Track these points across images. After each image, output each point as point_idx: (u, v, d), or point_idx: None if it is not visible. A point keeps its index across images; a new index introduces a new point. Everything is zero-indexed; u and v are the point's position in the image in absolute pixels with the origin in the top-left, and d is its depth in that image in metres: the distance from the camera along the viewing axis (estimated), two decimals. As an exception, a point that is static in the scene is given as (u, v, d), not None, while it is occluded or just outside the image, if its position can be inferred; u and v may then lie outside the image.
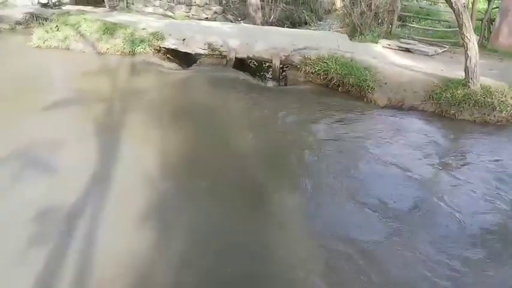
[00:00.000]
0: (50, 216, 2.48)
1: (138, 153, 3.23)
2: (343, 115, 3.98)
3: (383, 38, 5.87)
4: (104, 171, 2.95)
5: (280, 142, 3.51)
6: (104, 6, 8.48)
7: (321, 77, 4.66)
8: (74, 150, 3.22)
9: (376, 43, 5.58)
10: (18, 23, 6.56)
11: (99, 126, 3.63)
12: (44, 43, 5.64)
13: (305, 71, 4.76)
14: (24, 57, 5.46)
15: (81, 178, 2.82)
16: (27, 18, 6.61)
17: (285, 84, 4.93)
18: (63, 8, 7.75)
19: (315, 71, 4.66)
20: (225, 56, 5.19)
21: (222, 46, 5.17)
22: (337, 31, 7.29)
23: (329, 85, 4.63)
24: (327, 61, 4.64)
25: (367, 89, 4.37)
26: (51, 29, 5.76)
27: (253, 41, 5.24)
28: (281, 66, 5.07)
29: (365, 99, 4.40)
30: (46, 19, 6.36)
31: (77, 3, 8.53)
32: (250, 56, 5.14)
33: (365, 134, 3.64)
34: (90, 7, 8.22)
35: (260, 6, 8.39)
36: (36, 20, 6.45)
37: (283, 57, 4.93)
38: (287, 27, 6.89)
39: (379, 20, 6.96)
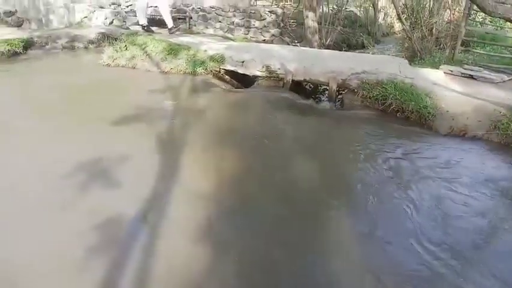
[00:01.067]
0: (112, 227, 2.63)
1: (198, 171, 3.35)
2: (402, 143, 3.90)
3: (445, 63, 5.71)
4: (165, 186, 3.09)
5: (337, 169, 3.50)
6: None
7: (379, 102, 4.61)
8: (137, 165, 3.40)
9: (438, 69, 5.43)
10: (91, 42, 7.08)
11: (161, 142, 3.82)
12: (113, 61, 6.05)
13: (362, 95, 4.74)
14: (94, 74, 5.86)
15: (142, 192, 2.97)
16: (99, 37, 7.12)
17: (342, 108, 4.92)
18: (132, 28, 8.28)
19: (373, 96, 4.62)
20: (282, 79, 5.29)
21: (279, 69, 5.27)
22: (396, 55, 7.19)
23: (387, 110, 4.56)
24: (385, 86, 4.59)
25: (428, 116, 4.26)
26: (120, 48, 6.18)
27: (310, 64, 5.30)
28: (338, 89, 5.07)
29: (425, 127, 4.29)
30: (116, 39, 6.83)
31: (143, 24, 9.07)
32: (307, 78, 5.19)
33: (427, 165, 3.53)
34: (155, 27, 8.72)
35: (317, 29, 8.47)
36: (107, 40, 6.94)
37: (341, 81, 4.93)
38: (344, 50, 6.89)
39: (441, 45, 6.78)
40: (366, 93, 4.68)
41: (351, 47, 9.38)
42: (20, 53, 6.60)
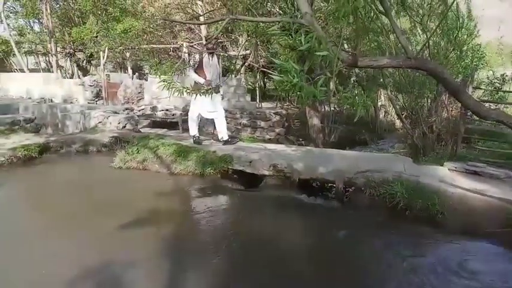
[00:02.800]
0: None
1: (207, 278, 3.27)
2: (413, 242, 3.84)
3: (448, 160, 5.82)
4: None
5: (350, 272, 3.40)
6: (178, 129, 9.35)
7: (387, 200, 4.62)
8: (144, 271, 3.34)
9: (442, 165, 5.53)
10: (104, 145, 7.38)
11: (168, 247, 3.78)
12: (124, 164, 6.25)
13: (370, 193, 4.77)
14: (105, 176, 6.02)
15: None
16: (112, 141, 7.44)
17: (350, 207, 4.92)
18: (142, 130, 8.69)
19: (380, 194, 4.64)
20: (289, 177, 5.38)
21: (286, 168, 5.40)
22: (398, 152, 7.38)
23: (395, 208, 4.55)
24: (392, 184, 4.64)
25: (437, 214, 4.23)
26: (132, 151, 6.42)
27: (316, 163, 5.43)
28: (344, 187, 5.12)
29: (435, 225, 4.24)
30: (128, 142, 7.14)
31: (153, 127, 9.55)
32: (314, 177, 5.28)
33: (442, 266, 3.42)
34: (165, 130, 9.14)
35: (321, 128, 8.84)
36: (120, 143, 7.24)
37: (347, 179, 5.01)
38: (348, 148, 7.11)
39: (442, 142, 6.99)
40: (372, 192, 4.72)
41: (354, 144, 9.67)
42: (36, 157, 6.87)
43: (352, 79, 10.77)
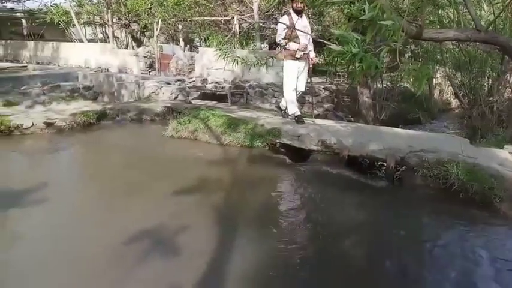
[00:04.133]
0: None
1: (256, 244, 3.36)
2: (467, 227, 3.72)
3: (508, 143, 5.50)
4: (222, 258, 3.11)
5: (401, 257, 3.36)
6: (226, 102, 9.44)
7: (440, 181, 4.47)
8: (195, 235, 3.48)
9: (501, 148, 5.23)
10: (157, 115, 7.63)
11: (219, 213, 3.91)
12: (176, 133, 6.44)
13: (422, 173, 4.63)
14: (159, 144, 6.25)
15: (202, 263, 3.00)
16: (164, 111, 7.66)
17: (400, 186, 4.81)
18: (192, 102, 8.87)
19: (434, 175, 4.50)
20: (337, 154, 5.32)
21: (335, 144, 5.34)
22: (454, 133, 7.05)
23: (449, 190, 4.39)
24: (446, 165, 4.47)
25: (494, 199, 4.04)
26: (183, 121, 6.59)
27: (367, 140, 5.32)
28: (396, 167, 5.00)
29: (491, 209, 4.06)
30: (180, 112, 7.33)
31: (203, 99, 9.71)
32: (364, 154, 5.19)
33: (497, 253, 3.30)
34: (214, 102, 9.27)
35: (371, 105, 8.59)
36: (172, 113, 7.46)
37: (399, 158, 4.88)
38: (401, 127, 6.88)
39: (503, 124, 6.59)
40: (425, 172, 4.57)
41: (406, 122, 9.32)
42: (94, 123, 7.24)
43: (406, 55, 10.31)
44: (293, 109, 6.23)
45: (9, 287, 2.78)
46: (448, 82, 11.10)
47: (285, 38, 5.82)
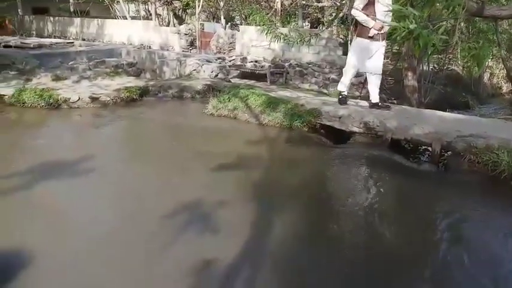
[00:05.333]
0: (206, 272, 2.70)
1: (293, 224, 3.36)
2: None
3: None
4: (259, 236, 3.13)
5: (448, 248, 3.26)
6: (265, 81, 9.39)
7: (489, 168, 4.26)
8: (233, 212, 3.52)
9: (559, 136, 4.90)
10: (198, 92, 7.70)
11: (257, 191, 3.93)
12: (216, 111, 6.49)
13: (469, 159, 4.43)
14: (199, 122, 6.32)
15: (238, 239, 3.04)
16: (205, 89, 7.72)
17: (445, 172, 4.64)
18: (232, 80, 8.88)
19: (482, 161, 4.29)
20: (380, 136, 5.19)
21: (378, 126, 5.20)
22: (506, 118, 6.67)
23: (498, 178, 4.18)
24: (496, 152, 4.25)
25: (548, 189, 3.83)
26: (223, 99, 6.62)
27: (411, 123, 5.14)
28: (441, 151, 4.81)
29: (545, 200, 3.85)
30: (219, 90, 7.36)
31: (242, 78, 9.69)
32: (408, 138, 5.02)
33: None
34: (253, 81, 9.25)
35: (417, 88, 8.26)
36: (212, 91, 7.50)
37: (445, 143, 4.69)
38: (448, 111, 6.58)
39: (562, 110, 6.16)
40: (473, 158, 4.37)
41: (452, 107, 8.92)
42: (136, 99, 7.41)
43: (456, 36, 9.80)
44: (342, 87, 5.96)
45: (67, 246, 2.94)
46: (500, 65, 10.49)
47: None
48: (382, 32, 5.24)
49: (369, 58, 5.46)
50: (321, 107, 5.95)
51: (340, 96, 5.95)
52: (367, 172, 4.55)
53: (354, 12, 5.35)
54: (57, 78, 7.88)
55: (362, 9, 5.16)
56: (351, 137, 5.54)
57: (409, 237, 3.29)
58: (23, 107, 6.72)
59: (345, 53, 11.60)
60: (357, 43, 5.54)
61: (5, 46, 10.31)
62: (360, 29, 5.33)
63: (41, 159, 4.51)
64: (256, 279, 2.65)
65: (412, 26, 1.78)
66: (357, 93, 9.09)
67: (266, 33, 4.59)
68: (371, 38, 5.31)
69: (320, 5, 13.22)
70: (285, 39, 5.12)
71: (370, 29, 5.22)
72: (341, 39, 11.80)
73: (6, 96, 6.94)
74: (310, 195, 3.93)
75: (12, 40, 11.62)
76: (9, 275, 2.52)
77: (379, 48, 5.42)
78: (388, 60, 11.00)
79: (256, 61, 10.54)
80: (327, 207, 3.72)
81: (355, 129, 5.39)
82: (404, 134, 5.05)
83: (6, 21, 17.41)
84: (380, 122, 5.24)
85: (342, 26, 14.84)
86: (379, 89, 5.84)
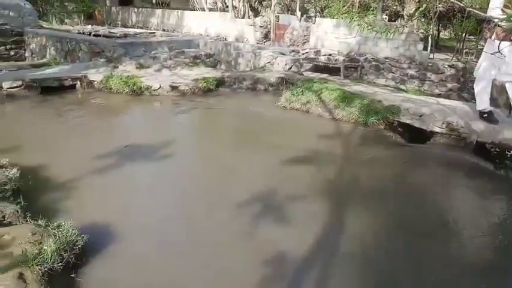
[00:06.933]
0: (282, 262, 2.75)
1: (363, 224, 3.30)
2: None
3: None
4: (330, 233, 3.12)
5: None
6: (339, 75, 9.21)
7: None
8: (305, 206, 3.53)
9: None
10: (271, 85, 7.77)
11: (328, 188, 3.90)
12: (289, 104, 6.51)
13: None
14: (272, 114, 6.38)
15: (311, 233, 3.05)
16: (278, 81, 7.76)
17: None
18: (304, 74, 8.82)
19: None
20: (463, 138, 4.89)
21: (462, 127, 4.90)
22: None
23: None
24: None
25: None
26: (297, 93, 6.62)
27: (500, 127, 4.78)
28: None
29: None
30: (292, 83, 7.36)
31: (315, 71, 9.59)
32: (496, 142, 4.68)
33: None
34: (326, 74, 9.11)
35: (505, 88, 7.62)
36: (285, 84, 7.53)
37: (539, 150, 4.31)
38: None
39: None
40: None
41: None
42: (212, 89, 7.65)
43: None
44: (482, 103, 5.05)
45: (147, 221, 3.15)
46: None
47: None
48: None
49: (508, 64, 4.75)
50: (400, 103, 5.72)
51: (486, 115, 5.02)
52: (447, 176, 4.33)
53: (495, 12, 4.48)
54: (140, 67, 8.36)
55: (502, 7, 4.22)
56: (431, 137, 5.27)
57: (487, 245, 3.09)
58: (109, 92, 7.25)
59: (425, 48, 11.03)
60: (494, 47, 4.64)
61: (95, 35, 11.12)
62: (498, 30, 4.54)
63: (128, 141, 4.84)
64: (329, 274, 2.65)
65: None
66: (437, 91, 8.62)
67: (350, 22, 4.45)
68: None
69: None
70: (369, 29, 4.96)
71: None
72: (421, 34, 11.21)
73: (96, 82, 7.50)
74: (385, 196, 3.82)
75: (101, 29, 12.50)
76: (105, 245, 2.77)
77: None
78: (473, 57, 10.28)
79: (330, 54, 10.36)
80: (402, 210, 3.59)
81: (437, 129, 5.12)
82: (491, 138, 4.71)
83: (96, 12, 18.76)
84: (465, 123, 4.93)
85: (423, 20, 14.09)
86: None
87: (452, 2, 10.39)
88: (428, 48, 10.94)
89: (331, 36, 10.33)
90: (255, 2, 15.03)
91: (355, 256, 2.84)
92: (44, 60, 10.44)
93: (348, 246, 2.94)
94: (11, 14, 11.74)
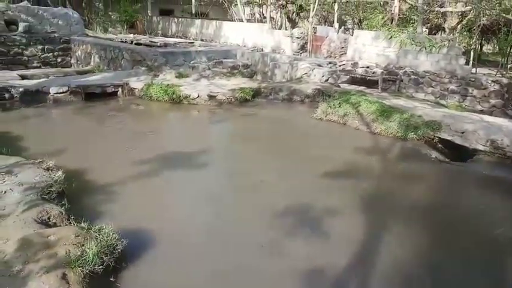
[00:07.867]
0: (318, 276, 2.72)
1: (401, 240, 3.22)
2: None
3: None
4: (368, 249, 3.06)
5: None
6: (376, 88, 9.06)
7: None
8: (343, 219, 3.49)
9: None
10: (307, 96, 7.75)
11: (365, 202, 3.83)
12: (325, 116, 6.48)
13: None
14: (308, 126, 6.37)
15: (347, 247, 3.01)
16: (314, 93, 7.74)
17: None
18: (342, 86, 8.74)
19: None
20: (509, 157, 4.69)
21: (508, 146, 4.70)
22: None
23: None
24: None
25: None
26: (333, 105, 6.57)
27: (550, 146, 4.56)
28: None
29: None
30: (329, 95, 7.32)
31: (351, 83, 9.49)
32: (544, 162, 4.47)
33: None
34: (363, 87, 8.99)
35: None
36: (322, 96, 7.49)
37: None
38: None
39: None
40: None
41: None
42: (249, 100, 7.72)
43: None
44: None
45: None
46: None
47: None
48: None
49: None
50: (441, 119, 5.57)
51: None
52: (489, 196, 4.14)
53: None
54: (180, 76, 8.56)
55: None
56: (473, 155, 5.09)
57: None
58: (150, 99, 7.47)
59: (467, 63, 10.69)
60: None
61: (136, 44, 11.50)
62: None
63: (168, 148, 4.97)
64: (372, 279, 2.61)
65: None
66: (479, 107, 8.33)
67: (389, 38, 4.40)
68: None
69: (442, 10, 12.35)
70: (412, 44, 4.86)
71: None
72: (463, 48, 10.90)
73: (137, 90, 7.75)
74: (423, 214, 3.71)
75: (143, 38, 12.93)
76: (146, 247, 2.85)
77: None
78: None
79: (367, 67, 10.23)
80: (441, 230, 3.47)
81: (480, 147, 4.94)
82: (540, 158, 4.50)
83: (138, 21, 19.41)
84: (511, 141, 4.73)
85: (465, 33, 13.69)
86: None
87: (497, 15, 10.09)
88: (470, 62, 10.61)
89: (369, 49, 10.21)
90: (293, 13, 15.08)
91: (393, 273, 2.77)
92: (89, 67, 10.88)
93: (386, 263, 2.88)
94: (60, 22, 12.33)
